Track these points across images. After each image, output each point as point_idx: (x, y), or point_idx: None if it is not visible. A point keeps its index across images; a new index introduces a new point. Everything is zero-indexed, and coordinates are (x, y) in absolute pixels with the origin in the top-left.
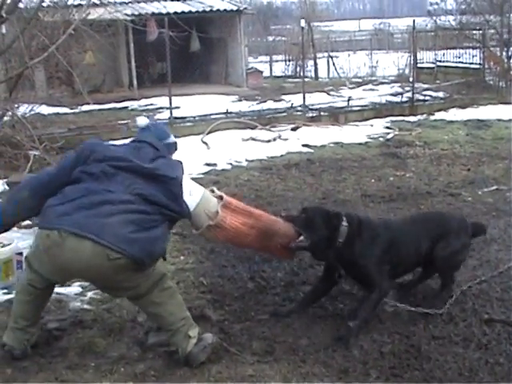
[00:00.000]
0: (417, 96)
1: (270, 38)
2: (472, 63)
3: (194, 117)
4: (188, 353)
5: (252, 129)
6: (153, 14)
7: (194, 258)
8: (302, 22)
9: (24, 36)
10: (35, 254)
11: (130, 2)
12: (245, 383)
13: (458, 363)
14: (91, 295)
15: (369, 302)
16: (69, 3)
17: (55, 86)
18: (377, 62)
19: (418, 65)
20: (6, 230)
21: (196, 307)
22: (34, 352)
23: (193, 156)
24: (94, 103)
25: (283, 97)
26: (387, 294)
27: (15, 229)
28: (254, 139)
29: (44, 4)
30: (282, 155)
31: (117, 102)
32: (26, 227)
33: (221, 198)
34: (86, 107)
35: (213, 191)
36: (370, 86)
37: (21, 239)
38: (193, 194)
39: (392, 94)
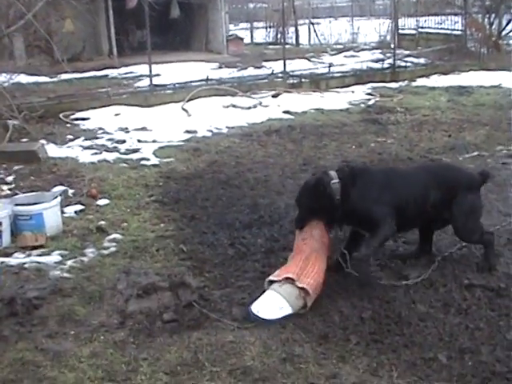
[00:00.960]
0: (398, 62)
1: (251, 5)
2: (454, 29)
3: (175, 84)
4: None
5: (232, 96)
6: None
7: (174, 225)
8: None
9: (1, 4)
10: None
11: None
12: (225, 349)
13: (438, 328)
14: (71, 263)
15: (375, 236)
16: None
17: (34, 54)
18: (358, 28)
19: (400, 31)
20: None
21: (176, 274)
22: (13, 321)
23: (173, 123)
24: (74, 71)
25: (264, 64)
26: (392, 231)
27: None
28: (234, 106)
29: None
30: (262, 122)
31: (96, 70)
32: (5, 197)
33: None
34: (65, 76)
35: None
36: (351, 53)
37: (0, 208)
38: (283, 306)
39: (373, 61)
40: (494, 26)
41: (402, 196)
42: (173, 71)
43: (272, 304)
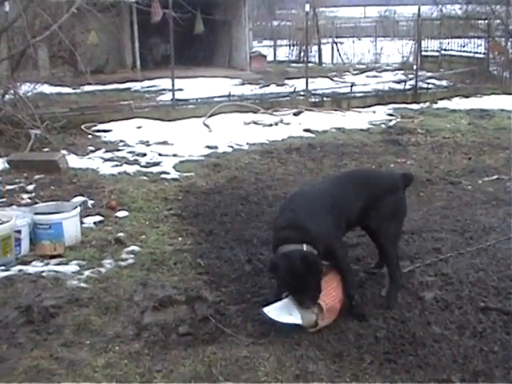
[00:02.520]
0: (420, 84)
1: (275, 23)
2: (476, 53)
3: (197, 99)
4: None
5: (254, 112)
6: None
7: (192, 239)
8: (307, 7)
9: (27, 14)
10: None
11: None
12: (239, 364)
13: (453, 350)
14: (88, 274)
15: (345, 271)
16: None
17: (58, 65)
18: (381, 49)
19: (423, 53)
20: None
21: (193, 288)
22: (29, 329)
23: (194, 138)
24: (97, 83)
25: (286, 81)
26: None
27: (14, 206)
28: (255, 123)
29: None
30: (283, 139)
31: (119, 82)
32: (25, 205)
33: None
34: (88, 87)
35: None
36: (373, 73)
37: (19, 217)
38: (293, 313)
39: (395, 82)
40: None
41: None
42: (195, 86)
43: (283, 309)
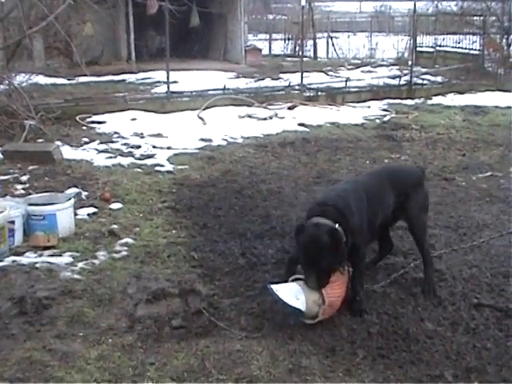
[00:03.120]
0: (415, 79)
1: (270, 17)
2: (472, 49)
3: (192, 92)
4: None
5: (249, 106)
6: None
7: (186, 232)
8: (303, 1)
9: (23, 5)
10: None
11: None
12: (232, 358)
13: (446, 346)
14: (82, 265)
15: (359, 272)
16: None
17: (53, 56)
18: (376, 44)
19: (418, 48)
20: None
21: (186, 281)
22: (22, 320)
23: (189, 131)
24: (92, 75)
25: (281, 75)
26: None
27: (8, 197)
28: (250, 116)
29: None
30: (277, 133)
31: (114, 74)
32: (19, 196)
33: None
34: (83, 79)
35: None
36: (368, 68)
37: (13, 208)
38: (299, 297)
39: (390, 77)
40: None
41: (374, 210)
42: (190, 79)
43: (292, 291)
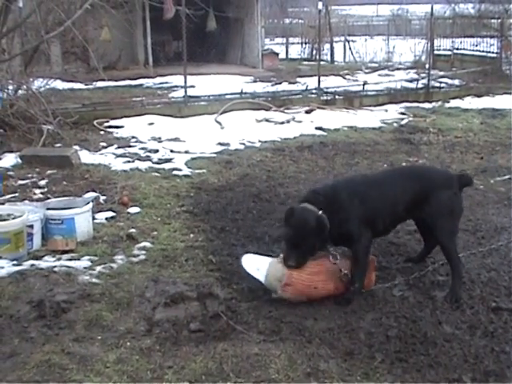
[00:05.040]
0: (432, 83)
1: (287, 21)
2: (489, 52)
3: (209, 96)
4: None
5: (266, 110)
6: None
7: (204, 235)
8: (320, 5)
9: (40, 10)
10: None
11: None
12: (250, 361)
13: (464, 350)
14: (100, 269)
15: (359, 264)
16: None
17: (71, 61)
18: (393, 47)
19: (435, 52)
20: None
21: (204, 284)
22: (41, 323)
23: (206, 135)
24: (109, 80)
25: (298, 79)
26: (370, 242)
27: (27, 201)
28: (267, 120)
29: None
30: (295, 137)
31: (132, 79)
32: (37, 200)
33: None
34: (100, 83)
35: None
36: (385, 72)
37: (32, 212)
38: (260, 269)
39: (408, 80)
40: None
41: (376, 204)
42: (207, 83)
43: (256, 262)
